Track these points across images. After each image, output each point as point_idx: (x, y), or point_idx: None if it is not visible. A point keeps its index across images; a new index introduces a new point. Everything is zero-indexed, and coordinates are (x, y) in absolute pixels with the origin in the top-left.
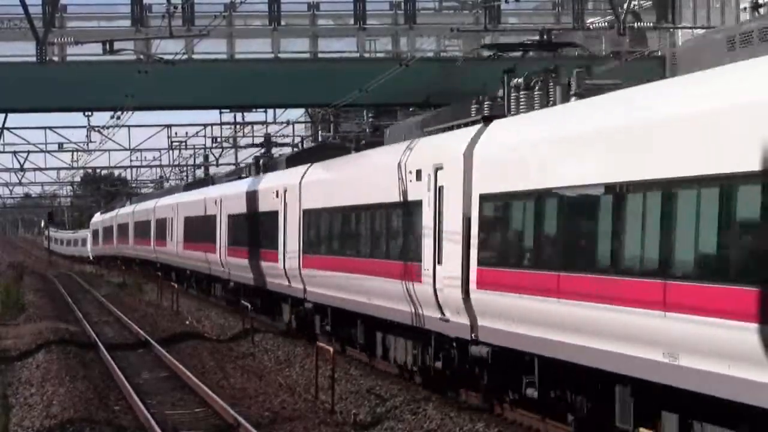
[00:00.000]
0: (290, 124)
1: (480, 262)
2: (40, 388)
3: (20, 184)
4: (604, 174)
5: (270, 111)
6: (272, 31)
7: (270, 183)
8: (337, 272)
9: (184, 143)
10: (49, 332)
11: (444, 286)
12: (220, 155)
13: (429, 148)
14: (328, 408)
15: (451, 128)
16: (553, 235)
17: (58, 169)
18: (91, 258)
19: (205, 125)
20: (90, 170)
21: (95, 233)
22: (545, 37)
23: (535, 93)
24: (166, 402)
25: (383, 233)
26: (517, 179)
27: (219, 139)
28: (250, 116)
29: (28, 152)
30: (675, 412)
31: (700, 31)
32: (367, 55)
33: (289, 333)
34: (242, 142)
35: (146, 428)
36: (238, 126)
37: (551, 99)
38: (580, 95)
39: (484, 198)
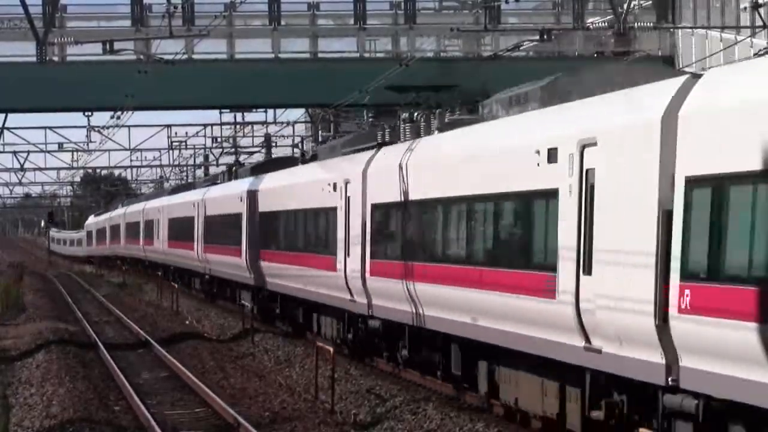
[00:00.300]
0: (290, 124)
1: (371, 256)
2: (40, 388)
3: (20, 184)
4: (437, 191)
5: (270, 111)
6: (272, 31)
7: (235, 189)
8: (282, 264)
9: (184, 143)
10: (49, 332)
11: (351, 275)
12: (220, 155)
13: (341, 166)
14: (328, 408)
15: (357, 150)
16: (411, 234)
17: (58, 169)
18: (84, 257)
19: (205, 125)
20: (90, 170)
21: (89, 234)
22: (545, 36)
23: (410, 126)
24: (166, 402)
25: (311, 233)
26: (391, 193)
27: (219, 139)
28: (250, 116)
29: (28, 152)
30: (485, 360)
31: (701, 31)
32: (367, 55)
33: (288, 333)
34: (242, 142)
35: (146, 428)
36: (238, 126)
37: (421, 132)
38: (440, 129)
39: (374, 206)
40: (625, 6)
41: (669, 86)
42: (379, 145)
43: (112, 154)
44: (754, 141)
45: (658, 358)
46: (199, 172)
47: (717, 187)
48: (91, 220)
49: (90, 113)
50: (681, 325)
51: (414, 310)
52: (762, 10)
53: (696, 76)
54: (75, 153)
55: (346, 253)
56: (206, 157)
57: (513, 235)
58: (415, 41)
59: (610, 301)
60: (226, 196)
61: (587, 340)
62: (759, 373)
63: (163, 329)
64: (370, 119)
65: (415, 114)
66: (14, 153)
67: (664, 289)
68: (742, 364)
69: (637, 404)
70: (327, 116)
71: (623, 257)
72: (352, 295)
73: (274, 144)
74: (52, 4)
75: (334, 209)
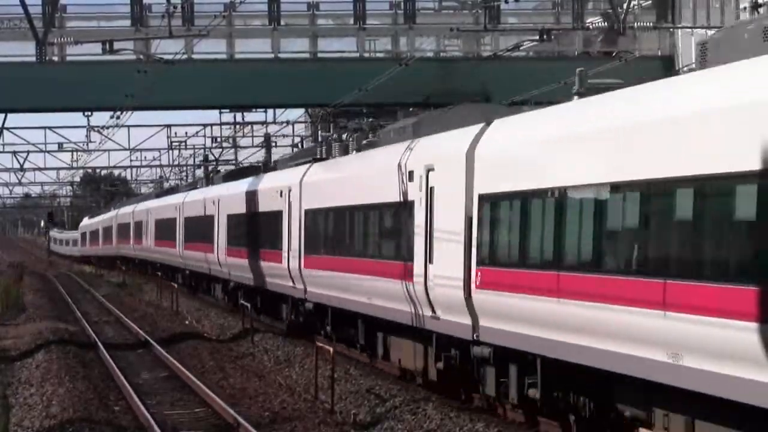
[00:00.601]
0: (290, 123)
1: (305, 251)
2: (40, 388)
3: (20, 184)
4: (341, 201)
5: (270, 111)
6: (272, 31)
7: (209, 194)
8: (244, 259)
9: (183, 143)
10: (49, 332)
11: (292, 266)
12: (219, 155)
13: (287, 176)
14: (328, 408)
15: (299, 164)
16: (327, 234)
17: (58, 169)
18: (78, 256)
19: (204, 125)
20: (90, 170)
21: (83, 235)
22: (545, 36)
23: (339, 144)
24: (166, 402)
25: (266, 232)
26: (315, 201)
27: (219, 139)
28: (249, 116)
29: (28, 152)
30: (381, 331)
31: (700, 31)
32: (366, 54)
33: (288, 333)
34: (242, 142)
35: (146, 428)
36: (237, 126)
37: (346, 151)
38: (358, 149)
39: (306, 211)
40: (625, 6)
41: (473, 129)
42: (314, 160)
43: (111, 154)
44: (316, 196)
45: (467, 320)
46: (199, 172)
47: (493, 202)
48: (85, 221)
49: (90, 113)
50: (478, 297)
51: (330, 294)
52: (761, 10)
53: (315, 161)
54: (75, 153)
55: (289, 249)
56: (206, 157)
57: (387, 234)
58: (414, 41)
59: (442, 281)
60: (203, 200)
61: (433, 310)
62: (524, 328)
63: (162, 329)
64: (370, 119)
65: (344, 135)
66: (14, 153)
67: (468, 271)
68: (512, 322)
69: (463, 356)
70: (327, 116)
71: (448, 250)
72: (294, 282)
73: (274, 144)
74: (51, 4)
75: (281, 212)
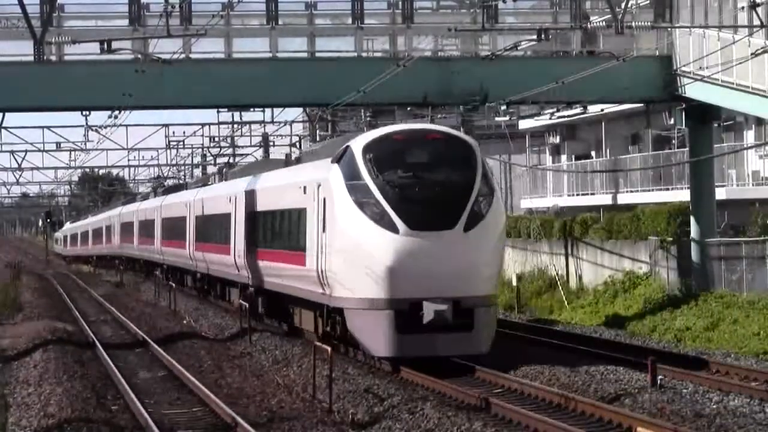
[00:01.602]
0: (288, 123)
1: (246, 245)
2: (38, 387)
3: (18, 183)
4: (261, 207)
5: (268, 110)
6: (270, 31)
7: (182, 198)
8: (208, 253)
9: (181, 143)
10: (47, 331)
11: (238, 258)
12: (217, 155)
13: (235, 185)
14: (326, 407)
15: (245, 175)
16: (256, 232)
17: (56, 168)
18: (63, 255)
19: (202, 125)
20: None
21: (65, 238)
22: (543, 36)
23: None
24: (164, 401)
25: (220, 231)
26: (251, 206)
27: (217, 139)
28: (247, 116)
29: (26, 151)
30: (291, 304)
31: (698, 31)
32: (364, 54)
33: (287, 333)
34: (240, 141)
35: (144, 428)
36: (235, 125)
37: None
38: (286, 164)
39: (246, 214)
40: (623, 5)
41: (326, 163)
42: (203, 185)
43: (109, 154)
44: (258, 201)
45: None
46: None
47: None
48: (67, 226)
49: (87, 113)
50: (330, 275)
51: (260, 278)
52: (759, 10)
53: (204, 185)
54: (72, 152)
55: (236, 243)
56: (204, 157)
57: (290, 232)
58: (412, 41)
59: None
60: (179, 203)
61: (323, 287)
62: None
63: (160, 328)
64: (368, 119)
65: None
66: (12, 152)
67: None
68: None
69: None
70: (325, 116)
71: (321, 244)
72: (239, 270)
73: (272, 144)
74: (49, 4)
75: (230, 214)
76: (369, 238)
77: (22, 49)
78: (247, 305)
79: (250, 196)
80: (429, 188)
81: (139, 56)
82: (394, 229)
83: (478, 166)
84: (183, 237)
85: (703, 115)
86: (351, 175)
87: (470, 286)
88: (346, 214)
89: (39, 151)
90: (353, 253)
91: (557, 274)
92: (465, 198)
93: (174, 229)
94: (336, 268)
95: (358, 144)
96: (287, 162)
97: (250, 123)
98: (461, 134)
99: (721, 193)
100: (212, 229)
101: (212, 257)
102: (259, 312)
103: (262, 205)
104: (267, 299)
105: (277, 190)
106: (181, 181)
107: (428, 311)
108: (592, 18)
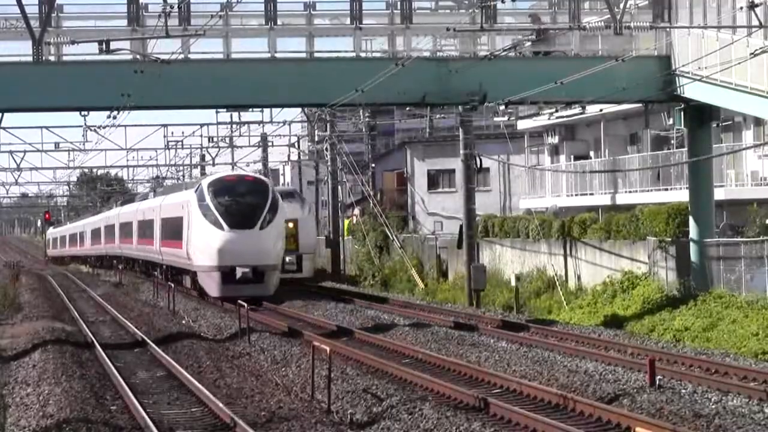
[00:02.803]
0: (286, 123)
1: (161, 238)
2: (37, 387)
3: (16, 183)
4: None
5: (266, 110)
6: (269, 31)
7: (131, 209)
8: (127, 244)
9: (180, 143)
10: (46, 332)
11: (157, 248)
12: (216, 155)
13: (156, 201)
14: (325, 407)
15: (165, 194)
16: (158, 231)
17: (55, 168)
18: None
19: (201, 125)
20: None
21: (47, 241)
22: (541, 36)
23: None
24: (163, 401)
25: (149, 230)
26: (160, 216)
27: (215, 139)
28: (246, 116)
29: (25, 152)
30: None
31: (697, 31)
32: (363, 54)
33: (285, 333)
34: (238, 141)
35: (143, 428)
36: (234, 125)
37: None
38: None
39: (162, 220)
40: (622, 5)
41: (191, 191)
42: (123, 204)
43: (108, 154)
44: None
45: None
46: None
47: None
48: (51, 230)
49: (86, 113)
50: (191, 254)
51: (167, 259)
52: (758, 10)
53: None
54: (71, 152)
55: (156, 238)
56: (202, 157)
57: (177, 231)
58: (411, 41)
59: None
60: (128, 212)
61: (189, 260)
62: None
63: (159, 329)
64: (367, 119)
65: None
66: (11, 152)
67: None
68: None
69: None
70: (323, 116)
71: (188, 237)
72: (160, 255)
73: (270, 144)
74: (48, 4)
75: (152, 220)
76: (208, 233)
77: (21, 50)
78: (161, 276)
79: (162, 207)
80: (241, 206)
81: (138, 56)
82: (221, 228)
83: (269, 195)
84: (131, 236)
85: (702, 116)
86: (201, 199)
87: (262, 259)
88: (197, 220)
89: (38, 151)
90: (201, 241)
91: (556, 274)
92: (260, 211)
93: (127, 229)
94: (193, 249)
95: (206, 182)
96: (186, 187)
97: (248, 123)
98: (261, 176)
99: (719, 194)
100: (146, 230)
101: (145, 248)
102: (168, 279)
103: (165, 214)
104: (170, 271)
105: (173, 205)
106: (132, 194)
107: (239, 272)
108: (591, 18)
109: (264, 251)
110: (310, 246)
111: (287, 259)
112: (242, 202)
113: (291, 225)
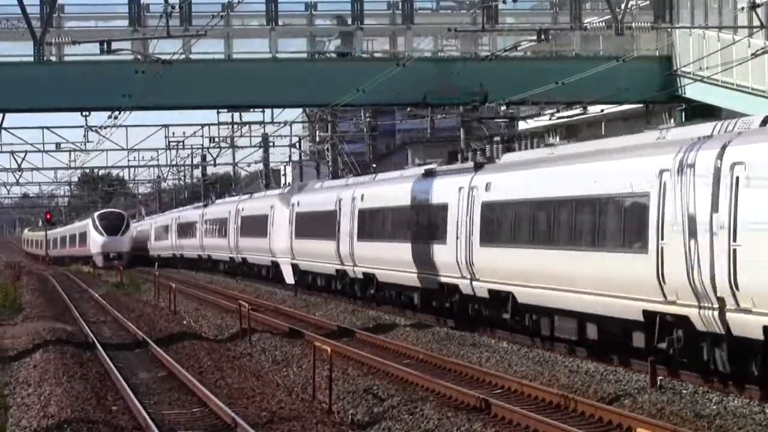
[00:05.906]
0: (288, 124)
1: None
2: (38, 388)
3: (18, 184)
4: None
5: (267, 111)
6: (270, 31)
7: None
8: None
9: (181, 143)
10: (47, 332)
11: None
12: (217, 155)
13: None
14: (326, 408)
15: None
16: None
17: (56, 169)
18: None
19: (202, 125)
20: (87, 170)
21: (24, 241)
22: (542, 36)
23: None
24: (164, 402)
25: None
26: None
27: (216, 139)
28: (247, 116)
29: (26, 152)
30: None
31: (698, 31)
32: (364, 55)
33: (286, 333)
34: (240, 142)
35: (144, 428)
36: (235, 126)
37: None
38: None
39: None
40: (623, 6)
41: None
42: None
43: (109, 154)
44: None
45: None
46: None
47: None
48: (27, 232)
49: (87, 113)
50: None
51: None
52: (759, 10)
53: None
54: (72, 153)
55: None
56: (204, 157)
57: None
58: (412, 41)
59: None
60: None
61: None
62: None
63: (160, 329)
64: (368, 119)
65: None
66: (12, 153)
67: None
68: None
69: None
70: (324, 116)
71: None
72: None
73: (271, 144)
74: (49, 4)
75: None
76: (98, 238)
77: (22, 50)
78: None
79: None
80: (113, 224)
81: (139, 57)
82: (102, 235)
83: (126, 220)
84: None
85: (703, 116)
86: (94, 223)
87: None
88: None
89: (39, 151)
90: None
91: None
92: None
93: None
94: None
95: (95, 214)
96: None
97: (249, 123)
98: (123, 212)
99: None
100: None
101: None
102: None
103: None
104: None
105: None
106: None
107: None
108: (592, 18)
109: (126, 246)
110: None
111: None
112: (113, 223)
113: None
